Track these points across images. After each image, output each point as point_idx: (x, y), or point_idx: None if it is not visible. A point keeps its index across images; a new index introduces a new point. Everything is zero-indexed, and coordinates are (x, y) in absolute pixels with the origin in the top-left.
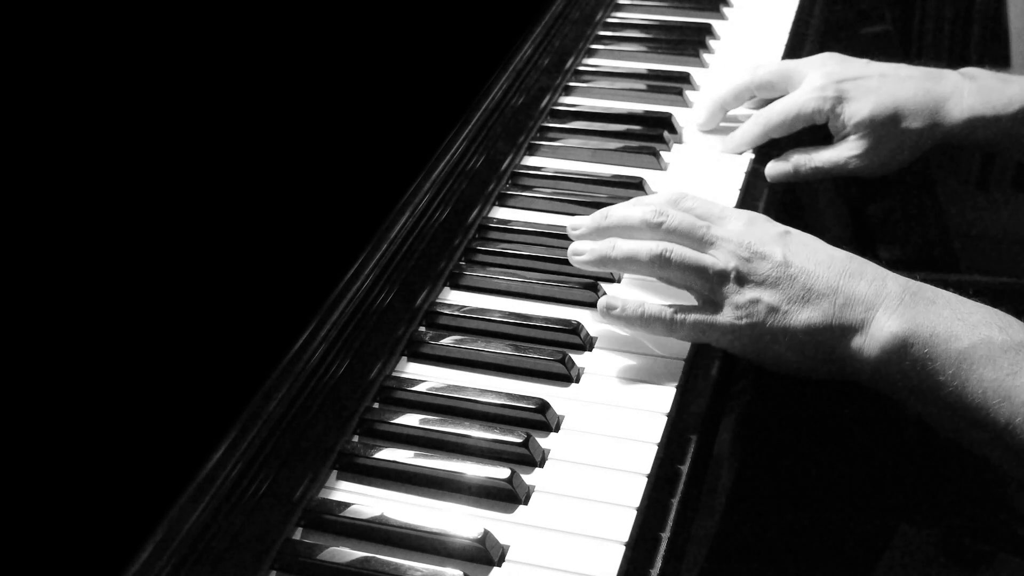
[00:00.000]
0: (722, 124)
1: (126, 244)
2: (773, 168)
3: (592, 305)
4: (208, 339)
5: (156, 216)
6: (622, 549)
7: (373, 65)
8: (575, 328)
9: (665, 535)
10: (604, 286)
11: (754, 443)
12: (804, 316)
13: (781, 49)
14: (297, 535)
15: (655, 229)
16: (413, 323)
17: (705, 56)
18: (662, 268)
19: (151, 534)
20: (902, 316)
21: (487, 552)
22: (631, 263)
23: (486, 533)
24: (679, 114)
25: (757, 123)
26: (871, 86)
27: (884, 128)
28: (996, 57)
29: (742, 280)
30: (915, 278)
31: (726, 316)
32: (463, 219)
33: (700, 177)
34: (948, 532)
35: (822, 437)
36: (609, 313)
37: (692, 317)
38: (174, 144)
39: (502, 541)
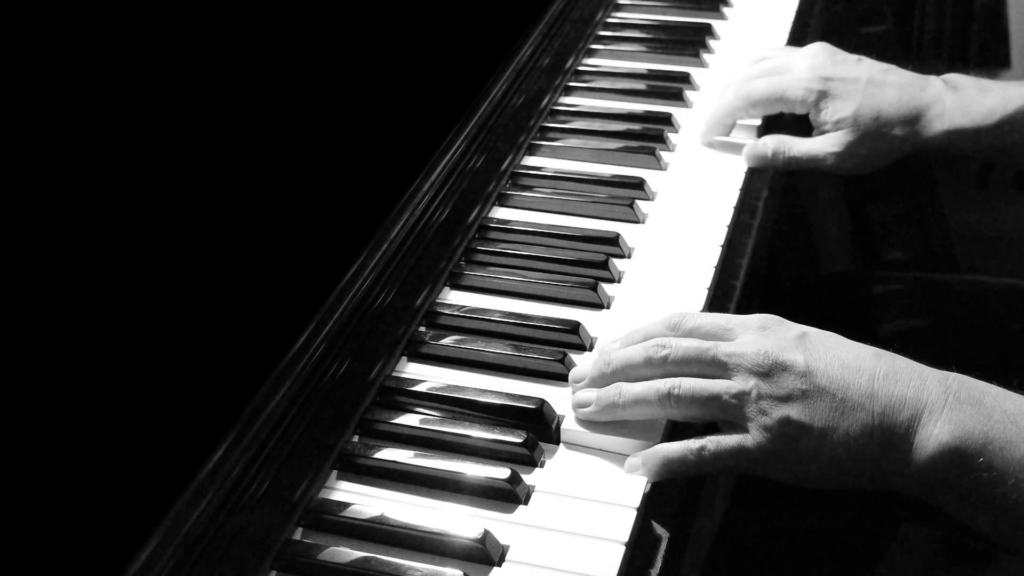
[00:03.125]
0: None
1: (126, 244)
2: (751, 151)
3: (592, 305)
4: (208, 339)
5: (156, 216)
6: (622, 549)
7: (373, 65)
8: (575, 328)
9: (665, 535)
10: (605, 286)
11: None
12: (841, 431)
13: None
14: (297, 535)
15: (661, 365)
16: (413, 323)
17: (705, 56)
18: (675, 407)
19: (151, 534)
20: (950, 422)
21: (487, 552)
22: (640, 406)
23: (486, 533)
24: (679, 114)
25: (739, 95)
26: (856, 89)
27: (864, 131)
28: (996, 57)
29: (765, 399)
30: (949, 367)
31: (756, 442)
32: (463, 219)
33: (700, 177)
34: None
35: None
36: (633, 470)
37: (718, 449)
38: (174, 145)
39: (502, 541)
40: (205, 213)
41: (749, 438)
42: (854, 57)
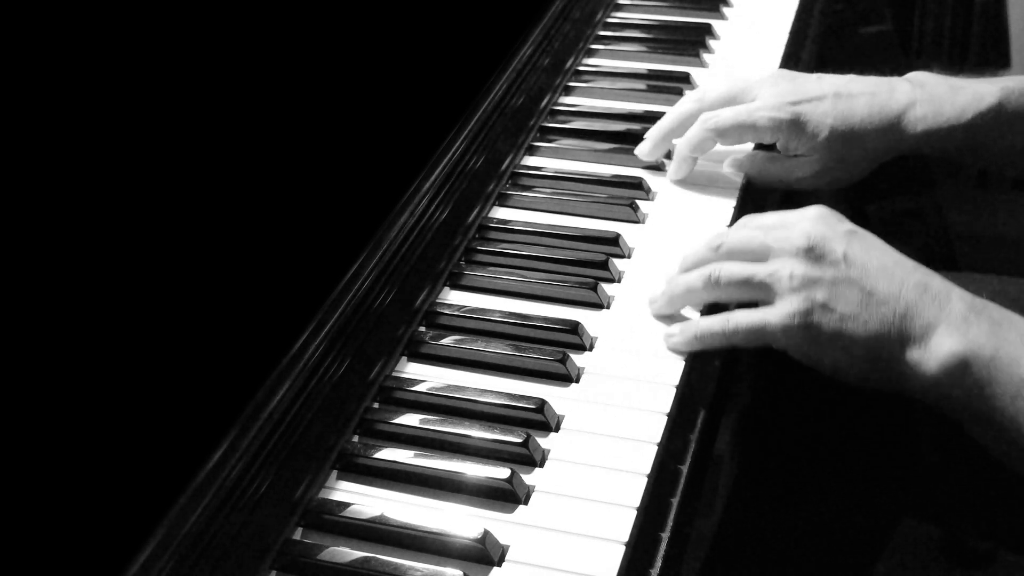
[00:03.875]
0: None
1: (126, 244)
2: (728, 166)
3: (592, 305)
4: (208, 339)
5: (157, 216)
6: (622, 549)
7: (373, 65)
8: (575, 328)
9: (665, 535)
10: (605, 286)
11: (754, 443)
12: (861, 320)
13: (781, 49)
14: (297, 535)
15: (717, 250)
16: (413, 323)
17: (705, 56)
18: (717, 289)
19: (151, 534)
20: (964, 335)
21: (487, 552)
22: (692, 293)
23: (486, 533)
24: None
25: (706, 127)
26: (825, 108)
27: (839, 150)
28: (996, 57)
29: (797, 279)
30: (981, 295)
31: (779, 317)
32: (463, 219)
33: (700, 177)
34: (948, 532)
35: (822, 437)
36: (669, 342)
37: (745, 322)
38: (174, 145)
39: (502, 541)
40: (205, 213)
41: (774, 312)
42: (814, 76)
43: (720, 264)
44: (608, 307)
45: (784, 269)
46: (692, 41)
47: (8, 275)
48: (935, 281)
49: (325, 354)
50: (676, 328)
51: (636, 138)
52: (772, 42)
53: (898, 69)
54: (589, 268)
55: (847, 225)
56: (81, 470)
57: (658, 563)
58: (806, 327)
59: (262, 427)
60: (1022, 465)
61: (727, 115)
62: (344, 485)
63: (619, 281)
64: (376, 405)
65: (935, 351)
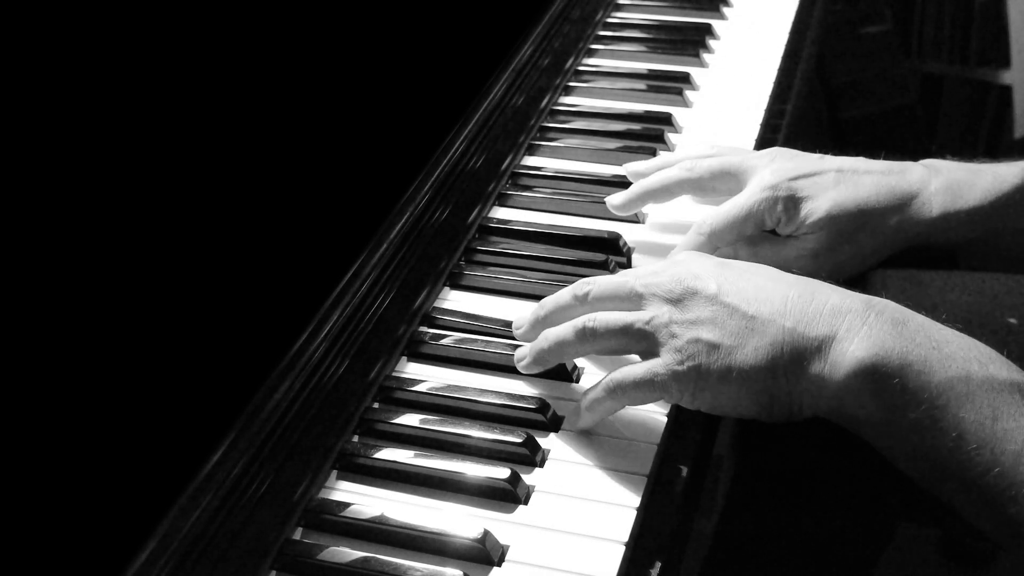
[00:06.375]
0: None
1: (127, 244)
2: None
3: None
4: (208, 339)
5: (157, 216)
6: (622, 549)
7: (373, 65)
8: None
9: (665, 534)
10: None
11: (754, 443)
12: (750, 347)
13: (781, 49)
14: (297, 535)
15: (584, 301)
16: (413, 323)
17: (705, 56)
18: (592, 341)
19: (151, 534)
20: (868, 339)
21: (487, 552)
22: (564, 347)
23: (486, 533)
24: (679, 114)
25: (701, 232)
26: (827, 183)
27: (843, 230)
28: (996, 57)
29: (676, 323)
30: (879, 293)
31: (666, 366)
32: (463, 219)
33: None
34: (948, 532)
35: (822, 437)
36: (579, 423)
37: (632, 378)
38: (175, 145)
39: (502, 541)
40: (205, 213)
41: (660, 363)
42: (816, 155)
43: (594, 313)
44: None
45: (662, 316)
46: (692, 41)
47: (8, 275)
48: (821, 285)
49: (325, 354)
50: (582, 407)
51: (636, 138)
52: (772, 42)
53: (898, 69)
54: (589, 268)
55: (717, 260)
56: (81, 470)
57: (658, 563)
58: (695, 370)
59: (262, 427)
60: (935, 487)
61: (721, 218)
62: (344, 485)
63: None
64: (376, 405)
65: (838, 360)
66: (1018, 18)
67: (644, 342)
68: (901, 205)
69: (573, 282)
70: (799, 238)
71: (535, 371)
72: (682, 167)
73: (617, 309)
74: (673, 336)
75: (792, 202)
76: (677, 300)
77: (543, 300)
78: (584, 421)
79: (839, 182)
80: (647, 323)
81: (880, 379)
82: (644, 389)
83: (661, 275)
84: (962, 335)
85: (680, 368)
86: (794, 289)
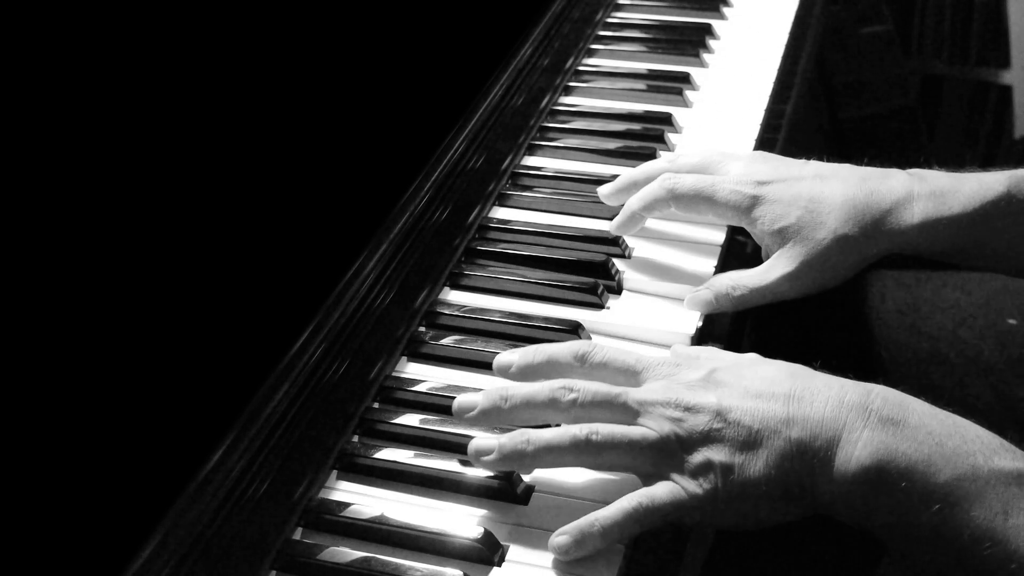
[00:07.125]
0: None
1: (127, 244)
2: (691, 300)
3: (592, 305)
4: (208, 339)
5: (156, 216)
6: (622, 549)
7: (373, 65)
8: (575, 328)
9: (665, 534)
10: (605, 288)
11: None
12: (761, 462)
13: (781, 48)
14: (297, 535)
15: (568, 409)
16: (413, 323)
17: (705, 56)
18: (594, 455)
19: (151, 534)
20: (870, 444)
21: (487, 552)
22: (552, 454)
23: (486, 533)
24: (679, 114)
25: (664, 184)
26: (800, 188)
27: (817, 238)
28: (996, 57)
29: (684, 444)
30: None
31: (684, 491)
32: (463, 219)
33: None
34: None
35: None
36: (563, 553)
37: (654, 505)
38: (174, 145)
39: (502, 541)
40: (205, 213)
41: (680, 490)
42: (800, 161)
43: (596, 425)
44: (608, 307)
45: (667, 435)
46: (692, 41)
47: (9, 276)
48: (817, 383)
49: (325, 354)
50: (567, 537)
51: (636, 138)
52: (772, 42)
53: (898, 69)
54: (589, 268)
55: (704, 367)
56: (82, 470)
57: (658, 563)
58: (713, 493)
59: (262, 427)
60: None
61: (688, 180)
62: (344, 485)
63: (620, 291)
64: (376, 405)
65: (845, 467)
66: (1018, 18)
67: (651, 462)
68: (879, 212)
69: (573, 282)
70: (776, 258)
71: (503, 469)
72: (664, 159)
73: (603, 419)
74: (685, 460)
75: (757, 202)
76: (680, 417)
77: (505, 389)
78: (585, 549)
79: (812, 188)
80: (653, 444)
81: (886, 484)
82: (675, 514)
83: (655, 393)
84: (964, 422)
85: (703, 493)
86: (794, 390)
